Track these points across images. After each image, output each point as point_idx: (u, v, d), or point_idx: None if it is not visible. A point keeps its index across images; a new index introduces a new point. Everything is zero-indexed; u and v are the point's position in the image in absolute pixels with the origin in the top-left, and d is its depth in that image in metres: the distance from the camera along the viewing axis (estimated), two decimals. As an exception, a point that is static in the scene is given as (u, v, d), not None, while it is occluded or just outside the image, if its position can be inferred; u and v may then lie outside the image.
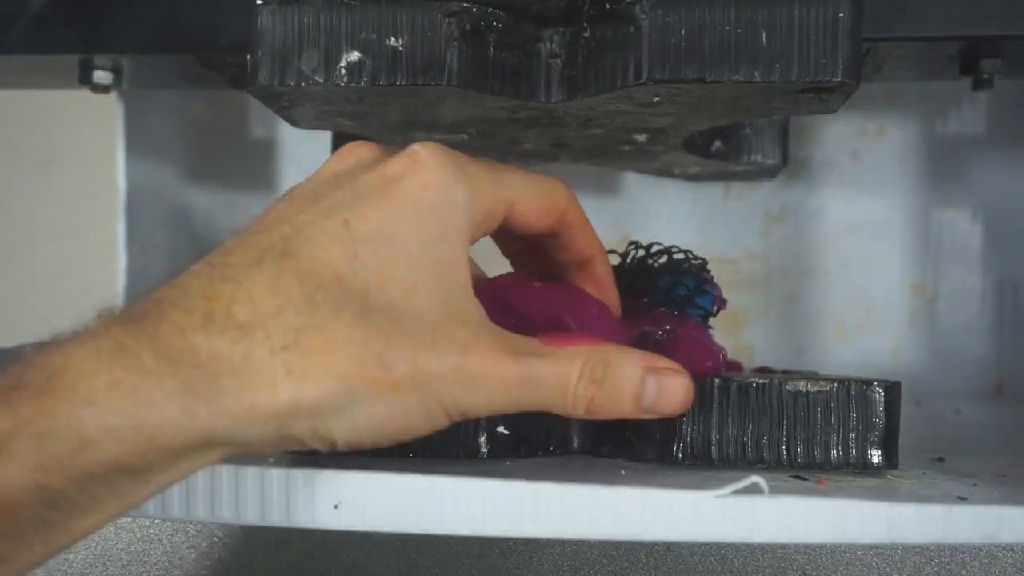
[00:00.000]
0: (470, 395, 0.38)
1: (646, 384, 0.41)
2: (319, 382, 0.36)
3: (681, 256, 0.50)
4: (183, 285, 0.37)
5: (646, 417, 0.42)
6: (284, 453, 0.44)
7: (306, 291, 0.37)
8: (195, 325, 0.36)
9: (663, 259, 0.51)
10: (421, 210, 0.40)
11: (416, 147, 0.41)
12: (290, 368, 0.36)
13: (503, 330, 0.40)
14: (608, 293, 0.47)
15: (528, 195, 0.44)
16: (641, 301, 0.49)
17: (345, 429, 0.37)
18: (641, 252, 0.51)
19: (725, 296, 0.50)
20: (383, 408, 0.37)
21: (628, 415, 0.41)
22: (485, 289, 0.45)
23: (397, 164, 0.40)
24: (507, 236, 0.46)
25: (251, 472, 0.39)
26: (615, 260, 0.51)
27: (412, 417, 0.38)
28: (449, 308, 0.39)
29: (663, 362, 0.42)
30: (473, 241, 0.42)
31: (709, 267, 0.51)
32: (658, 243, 0.51)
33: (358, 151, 0.42)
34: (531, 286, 0.46)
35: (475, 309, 0.40)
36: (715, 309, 0.49)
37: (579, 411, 0.40)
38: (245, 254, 0.38)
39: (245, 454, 0.37)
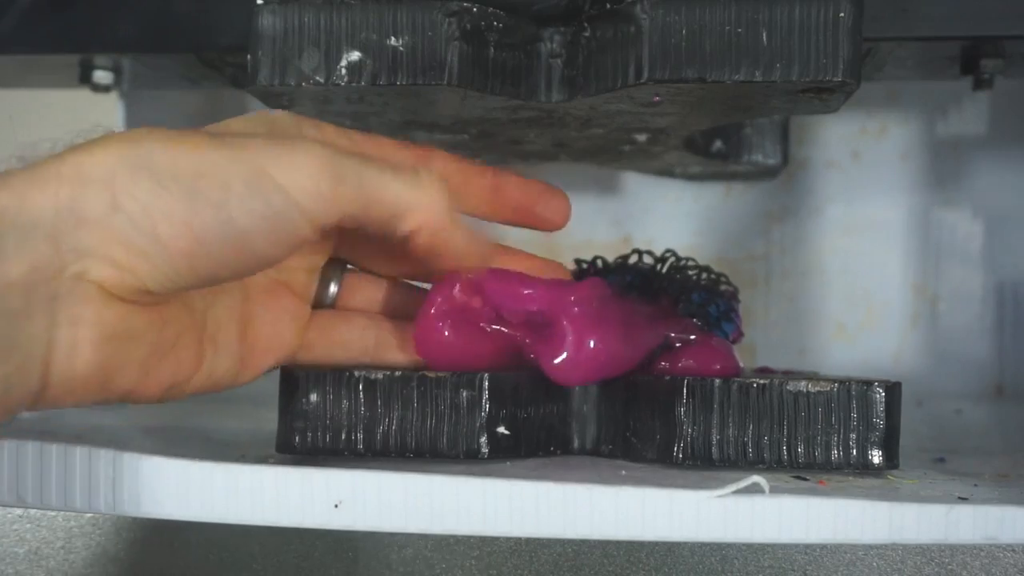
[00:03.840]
0: (287, 151, 0.36)
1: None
2: (105, 145, 0.35)
3: (715, 277, 0.51)
4: None
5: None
6: (281, 454, 0.44)
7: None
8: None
9: (694, 273, 0.51)
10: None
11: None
12: (75, 147, 0.36)
13: None
14: (545, 193, 0.46)
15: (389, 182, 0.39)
16: (674, 307, 0.49)
17: (150, 188, 0.35)
18: (672, 259, 0.51)
19: (743, 329, 0.51)
20: (188, 163, 0.35)
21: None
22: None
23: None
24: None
25: (251, 471, 0.39)
26: (649, 260, 0.52)
27: (230, 178, 0.35)
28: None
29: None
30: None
31: (739, 296, 0.51)
32: (693, 259, 0.51)
33: None
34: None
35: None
36: (732, 339, 0.49)
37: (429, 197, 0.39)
38: None
39: (72, 257, 0.34)
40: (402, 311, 0.46)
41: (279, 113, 0.43)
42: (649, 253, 0.52)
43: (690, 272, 0.51)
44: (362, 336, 0.45)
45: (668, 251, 0.52)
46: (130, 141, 0.35)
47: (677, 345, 0.48)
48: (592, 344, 0.43)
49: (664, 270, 0.51)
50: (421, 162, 0.43)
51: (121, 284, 0.35)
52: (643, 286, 0.50)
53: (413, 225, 0.39)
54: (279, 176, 0.36)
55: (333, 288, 0.46)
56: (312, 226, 0.37)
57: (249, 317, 0.43)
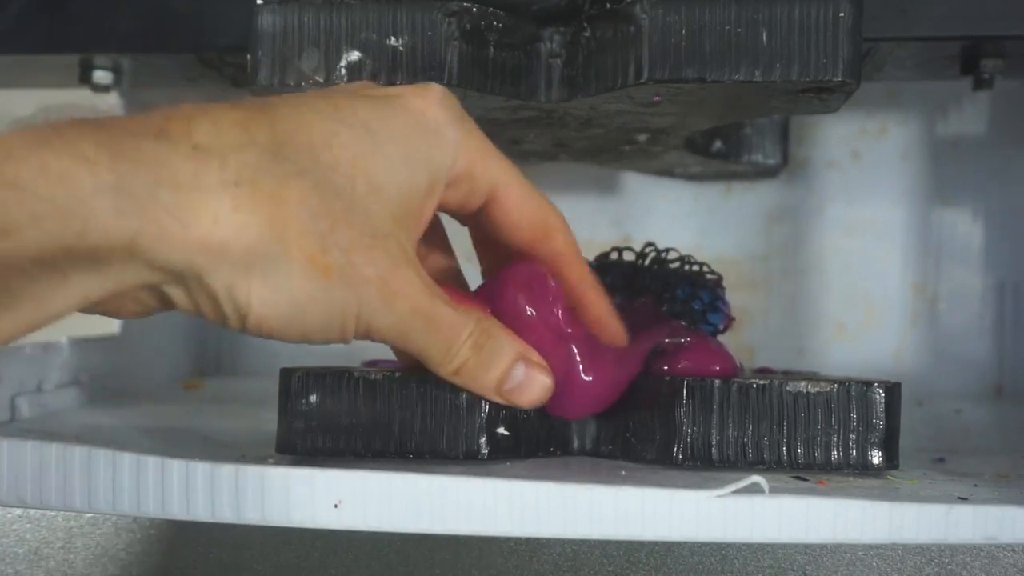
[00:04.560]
0: (383, 310, 0.38)
1: (514, 368, 0.42)
2: (260, 231, 0.35)
3: (697, 268, 0.50)
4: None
5: (498, 400, 0.42)
6: (281, 455, 0.44)
7: (276, 141, 0.36)
8: (148, 133, 0.34)
9: (676, 265, 0.51)
10: (412, 124, 0.40)
11: (432, 83, 0.41)
12: (237, 206, 0.35)
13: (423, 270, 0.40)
14: (610, 330, 0.45)
15: (519, 188, 0.43)
16: (659, 308, 0.49)
17: (264, 295, 0.36)
18: (653, 254, 0.51)
19: (733, 315, 0.50)
20: (308, 287, 0.37)
21: (486, 391, 0.42)
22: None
23: (407, 87, 0.41)
24: (486, 238, 0.45)
25: (251, 471, 0.39)
26: (629, 256, 0.51)
27: (328, 312, 0.37)
28: (397, 229, 0.39)
29: (536, 356, 0.43)
30: (444, 201, 0.41)
31: (723, 284, 0.51)
32: (675, 249, 0.51)
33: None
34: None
35: (412, 244, 0.40)
36: (723, 327, 0.49)
37: (450, 367, 0.41)
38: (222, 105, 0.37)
39: (169, 288, 0.36)
40: None
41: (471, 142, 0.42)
42: (629, 249, 0.52)
43: (671, 264, 0.51)
44: None
45: (648, 244, 0.52)
46: (284, 240, 0.36)
47: (671, 347, 0.47)
48: (587, 386, 0.44)
49: (646, 264, 0.51)
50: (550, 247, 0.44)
51: (187, 309, 0.37)
52: (625, 286, 0.50)
53: (420, 361, 0.42)
54: (367, 322, 0.39)
55: None
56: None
57: None
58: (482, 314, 0.42)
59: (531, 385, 0.42)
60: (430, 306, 0.40)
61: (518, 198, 0.43)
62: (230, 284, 0.36)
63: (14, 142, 0.32)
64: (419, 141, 0.40)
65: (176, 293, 0.36)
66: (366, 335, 0.39)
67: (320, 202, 0.37)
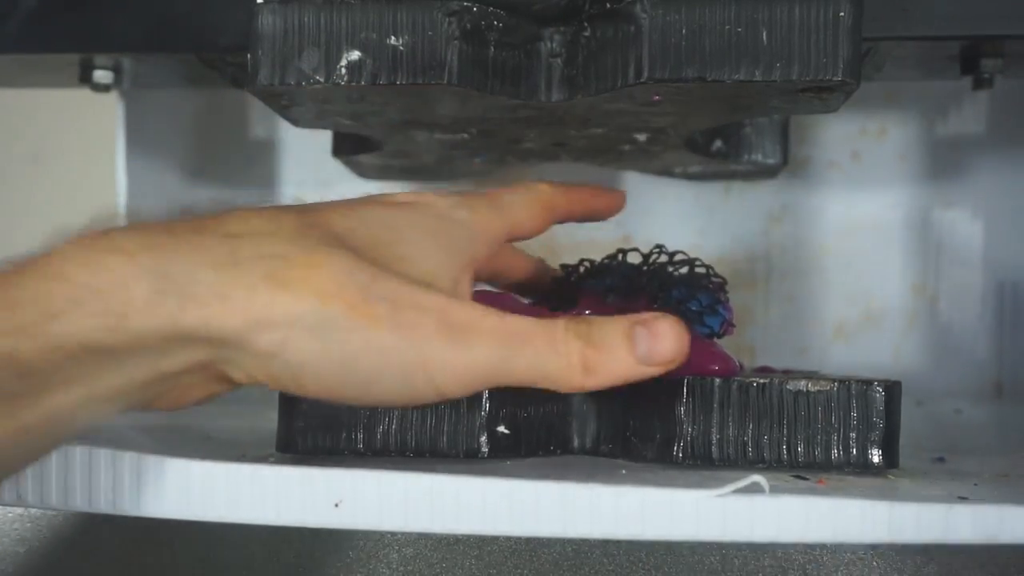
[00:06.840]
0: (452, 349, 0.37)
1: (635, 331, 0.39)
2: (297, 292, 0.36)
3: (703, 271, 0.50)
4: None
5: (648, 371, 0.39)
6: (281, 454, 0.44)
7: (302, 225, 0.38)
8: (184, 228, 0.36)
9: (684, 268, 0.50)
10: (426, 216, 0.41)
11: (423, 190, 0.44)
12: (271, 274, 0.36)
13: None
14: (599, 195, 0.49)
15: (524, 212, 0.45)
16: (651, 305, 0.49)
17: (313, 350, 0.36)
18: (664, 257, 0.51)
19: (734, 322, 0.50)
20: (357, 338, 0.36)
21: (628, 369, 0.39)
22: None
23: (403, 194, 0.43)
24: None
25: (251, 470, 0.39)
26: (636, 258, 0.51)
27: (383, 362, 0.37)
28: (437, 285, 0.40)
29: (645, 314, 0.40)
30: (478, 267, 0.43)
31: (727, 288, 0.51)
32: (683, 252, 0.51)
33: None
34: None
35: (465, 293, 0.41)
36: (721, 332, 0.49)
37: (575, 371, 0.39)
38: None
39: (221, 363, 0.37)
40: None
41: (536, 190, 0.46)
42: (636, 250, 0.52)
43: (672, 267, 0.50)
44: None
45: (657, 246, 0.51)
46: (323, 295, 0.36)
47: None
48: None
49: (651, 266, 0.51)
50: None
51: (244, 381, 0.38)
52: (624, 287, 0.50)
53: (543, 386, 0.40)
54: (438, 377, 0.38)
55: None
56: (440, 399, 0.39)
57: None
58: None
59: (663, 334, 0.39)
60: (505, 324, 0.38)
61: (527, 217, 0.45)
62: (279, 346, 0.36)
63: (66, 244, 0.35)
64: (437, 227, 0.41)
65: (231, 368, 0.37)
66: (444, 391, 0.38)
67: (355, 262, 0.37)
